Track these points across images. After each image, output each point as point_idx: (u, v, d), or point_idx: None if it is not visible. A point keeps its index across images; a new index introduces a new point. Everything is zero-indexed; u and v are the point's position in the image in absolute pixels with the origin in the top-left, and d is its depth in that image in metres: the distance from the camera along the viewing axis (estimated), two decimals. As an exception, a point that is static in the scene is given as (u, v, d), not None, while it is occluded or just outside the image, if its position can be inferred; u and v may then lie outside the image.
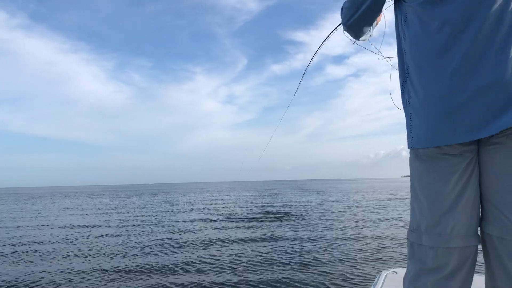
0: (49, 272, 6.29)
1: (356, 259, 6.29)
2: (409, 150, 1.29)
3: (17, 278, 5.90)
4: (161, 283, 5.39)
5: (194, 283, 5.32)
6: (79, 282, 5.57)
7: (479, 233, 1.19)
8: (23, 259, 7.48)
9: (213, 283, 5.29)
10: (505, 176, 1.07)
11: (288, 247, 7.79)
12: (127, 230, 11.64)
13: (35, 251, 8.31)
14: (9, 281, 5.70)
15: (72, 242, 9.51)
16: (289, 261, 6.42)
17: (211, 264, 6.47)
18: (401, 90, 1.29)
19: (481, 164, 1.15)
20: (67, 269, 6.44)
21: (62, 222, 14.68)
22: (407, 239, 1.27)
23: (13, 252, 8.22)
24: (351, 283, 5.00)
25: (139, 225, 13.04)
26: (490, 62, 1.02)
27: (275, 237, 9.17)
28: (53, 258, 7.51)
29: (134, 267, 6.46)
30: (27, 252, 8.23)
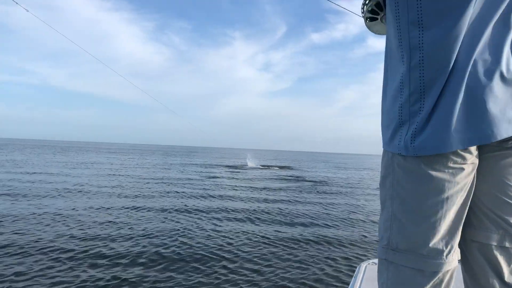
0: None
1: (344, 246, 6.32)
2: (395, 153, 1.02)
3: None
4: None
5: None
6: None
7: None
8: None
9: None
10: None
11: (278, 221, 8.01)
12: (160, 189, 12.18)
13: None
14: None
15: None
16: (275, 242, 6.41)
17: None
18: (409, 65, 0.96)
19: (486, 170, 1.02)
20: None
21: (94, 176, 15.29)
22: (384, 259, 1.05)
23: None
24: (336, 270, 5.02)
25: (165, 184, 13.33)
26: None
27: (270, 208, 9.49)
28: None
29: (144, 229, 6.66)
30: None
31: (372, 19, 1.18)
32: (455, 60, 0.90)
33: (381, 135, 1.11)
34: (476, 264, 1.04)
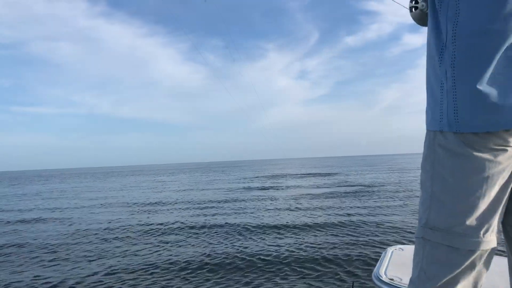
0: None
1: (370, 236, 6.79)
2: (438, 132, 1.04)
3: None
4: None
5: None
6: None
7: None
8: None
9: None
10: None
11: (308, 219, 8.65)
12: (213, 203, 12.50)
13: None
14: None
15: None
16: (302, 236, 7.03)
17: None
18: (439, 47, 1.03)
19: None
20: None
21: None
22: (421, 238, 1.07)
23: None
24: (359, 259, 5.33)
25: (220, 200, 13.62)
26: None
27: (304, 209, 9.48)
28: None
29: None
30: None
31: (416, 9, 1.27)
32: (496, 45, 0.91)
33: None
34: None
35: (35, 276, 5.09)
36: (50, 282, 4.82)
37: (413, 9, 1.29)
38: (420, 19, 1.32)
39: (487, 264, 1.01)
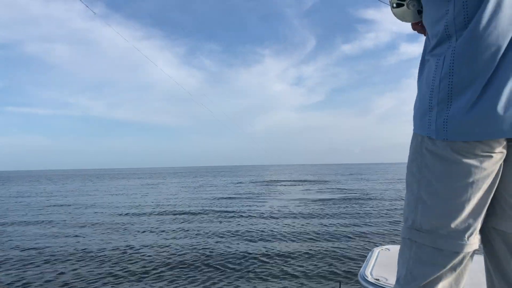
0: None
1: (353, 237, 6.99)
2: (425, 136, 1.04)
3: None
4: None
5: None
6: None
7: None
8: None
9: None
10: None
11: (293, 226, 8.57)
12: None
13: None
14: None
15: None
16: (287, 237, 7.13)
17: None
18: (436, 42, 1.02)
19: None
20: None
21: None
22: (407, 239, 1.09)
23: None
24: (346, 258, 5.44)
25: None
26: None
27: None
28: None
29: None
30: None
31: (398, 5, 1.21)
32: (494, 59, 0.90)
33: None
34: (499, 252, 1.06)
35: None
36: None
37: (395, 4, 1.20)
38: (405, 16, 1.24)
39: (469, 264, 1.06)
